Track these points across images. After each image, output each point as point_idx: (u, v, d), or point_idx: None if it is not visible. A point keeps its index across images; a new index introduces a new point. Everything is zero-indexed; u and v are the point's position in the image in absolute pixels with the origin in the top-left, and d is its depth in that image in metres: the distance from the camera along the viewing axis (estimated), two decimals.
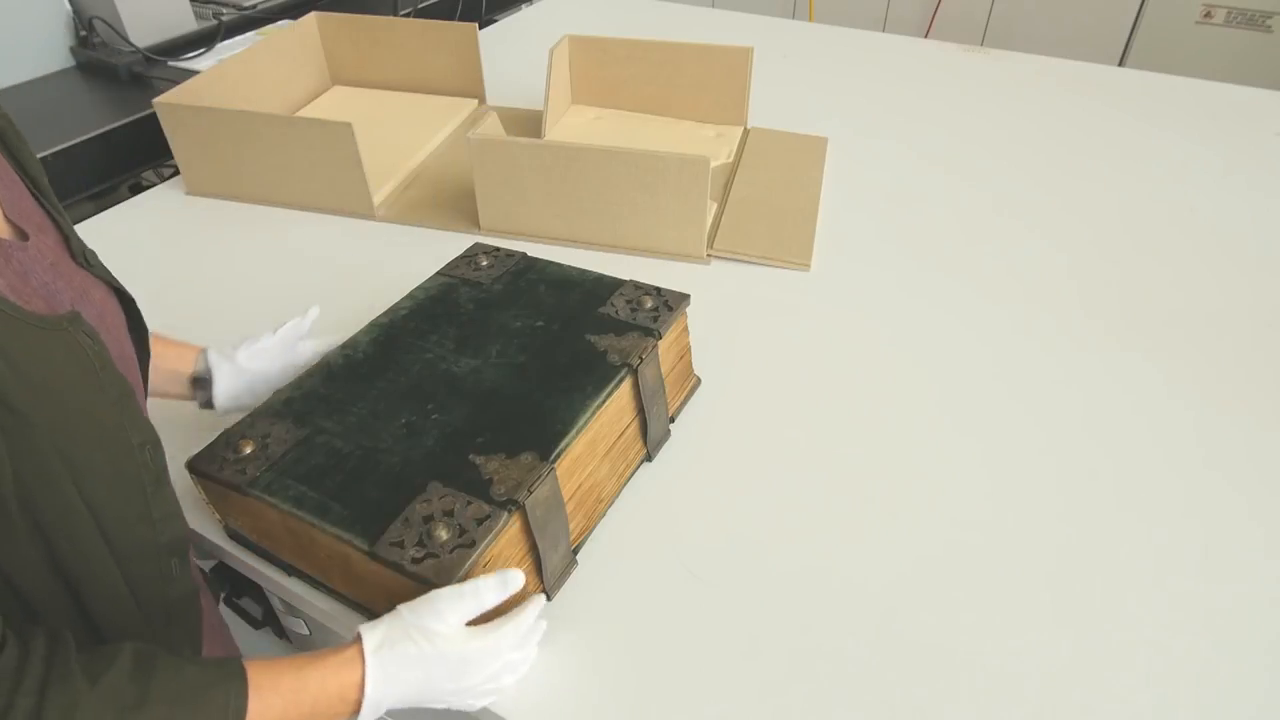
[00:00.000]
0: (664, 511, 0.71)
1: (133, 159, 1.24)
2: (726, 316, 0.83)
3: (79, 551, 0.46)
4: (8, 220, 0.47)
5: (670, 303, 0.76)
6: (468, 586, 0.53)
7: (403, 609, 0.53)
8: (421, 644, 0.51)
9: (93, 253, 0.55)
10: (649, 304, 0.75)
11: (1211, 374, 0.85)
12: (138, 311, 0.58)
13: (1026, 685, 0.58)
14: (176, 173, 1.17)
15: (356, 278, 0.98)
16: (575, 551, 0.66)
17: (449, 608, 0.52)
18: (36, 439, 0.42)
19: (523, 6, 1.95)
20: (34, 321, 0.42)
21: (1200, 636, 0.61)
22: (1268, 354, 0.88)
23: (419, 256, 0.90)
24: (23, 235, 0.47)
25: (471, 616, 0.53)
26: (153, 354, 0.63)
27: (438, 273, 0.82)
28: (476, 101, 1.38)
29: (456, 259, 0.83)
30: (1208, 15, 2.30)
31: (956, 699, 0.57)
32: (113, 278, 0.56)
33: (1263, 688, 0.58)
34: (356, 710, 0.50)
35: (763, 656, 0.60)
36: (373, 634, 0.51)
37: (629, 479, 0.73)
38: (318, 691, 0.49)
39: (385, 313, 0.76)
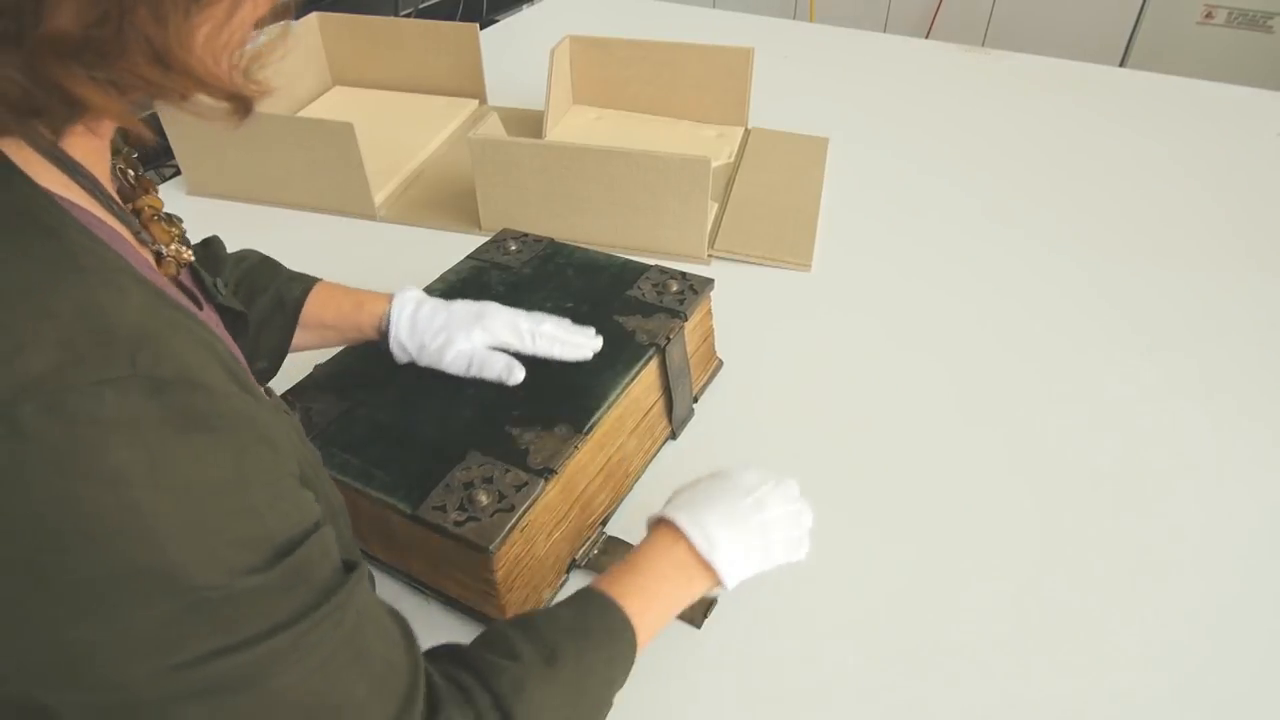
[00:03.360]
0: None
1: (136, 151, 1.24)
2: (727, 317, 0.84)
3: None
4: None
5: (695, 286, 0.78)
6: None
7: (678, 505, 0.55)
8: (691, 489, 0.55)
9: (216, 280, 0.52)
10: (674, 287, 0.77)
11: (1211, 373, 0.85)
12: (245, 328, 0.54)
13: (1037, 685, 0.58)
14: (178, 173, 1.17)
15: (358, 278, 0.97)
16: (604, 524, 0.68)
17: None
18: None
19: (524, 7, 1.95)
20: (269, 407, 0.39)
21: (1208, 639, 0.62)
22: (1268, 354, 0.88)
23: (420, 257, 0.90)
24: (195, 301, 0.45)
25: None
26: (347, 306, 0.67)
27: (468, 257, 0.84)
28: (477, 102, 1.38)
29: (485, 243, 0.85)
30: (1209, 16, 2.30)
31: (965, 704, 0.58)
32: (234, 302, 0.53)
33: None
34: (702, 565, 0.52)
35: (772, 638, 0.60)
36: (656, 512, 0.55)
37: (655, 455, 0.75)
38: (649, 566, 0.51)
39: None
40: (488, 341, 0.66)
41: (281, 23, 0.36)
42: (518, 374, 0.64)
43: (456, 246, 0.88)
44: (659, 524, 0.54)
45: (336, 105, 1.37)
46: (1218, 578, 0.66)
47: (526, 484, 0.58)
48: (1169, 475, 0.74)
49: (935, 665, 0.60)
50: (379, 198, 1.11)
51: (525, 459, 0.60)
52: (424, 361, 0.66)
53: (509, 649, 0.44)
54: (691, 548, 0.52)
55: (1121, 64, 2.45)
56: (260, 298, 0.65)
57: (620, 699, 0.57)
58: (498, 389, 0.67)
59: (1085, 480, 0.74)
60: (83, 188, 0.35)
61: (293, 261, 1.03)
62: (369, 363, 0.70)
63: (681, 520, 0.53)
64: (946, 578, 0.65)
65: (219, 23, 0.32)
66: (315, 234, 1.08)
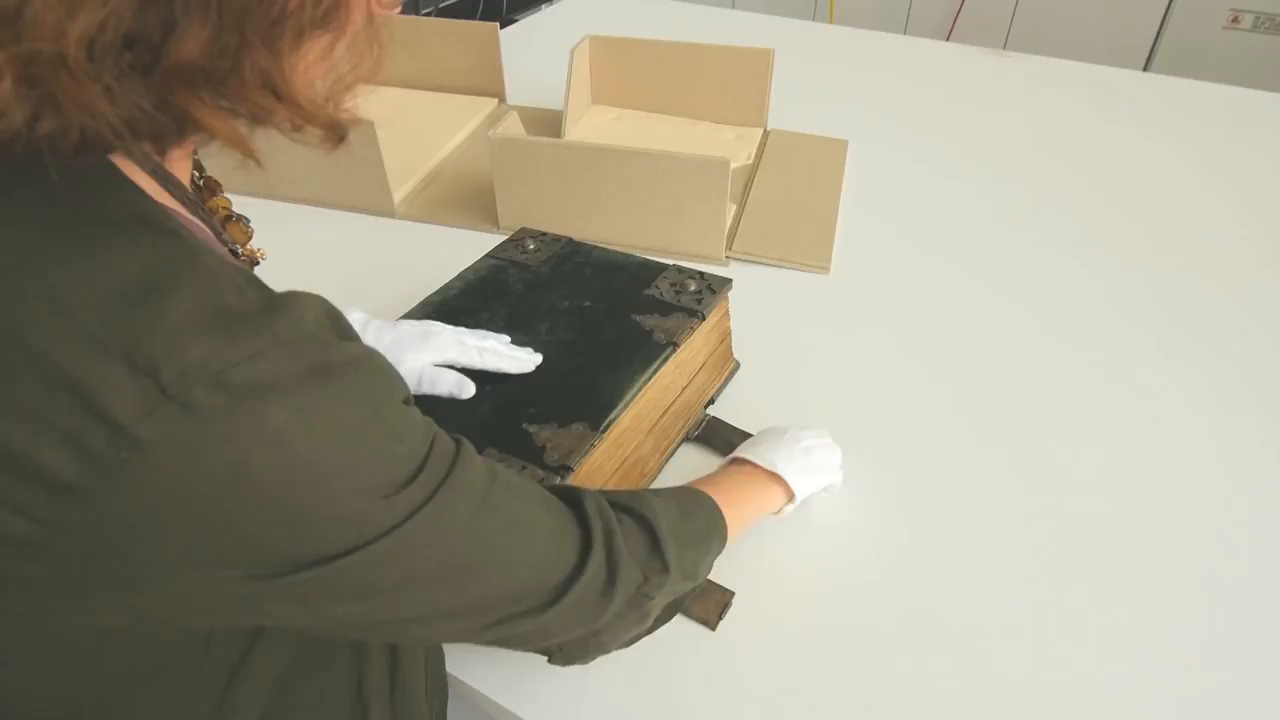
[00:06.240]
0: None
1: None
2: (744, 318, 0.83)
3: (373, 683, 0.49)
4: None
5: (713, 286, 0.77)
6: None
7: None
8: (759, 437, 0.68)
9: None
10: (692, 287, 0.77)
11: (1237, 381, 0.84)
12: None
13: (1048, 685, 0.58)
14: None
15: (376, 275, 0.99)
16: None
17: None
18: None
19: (543, 7, 1.95)
20: None
21: (1230, 646, 0.61)
22: None
23: (438, 255, 0.91)
24: None
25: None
26: None
27: (486, 255, 0.84)
28: (497, 101, 1.38)
29: (504, 242, 0.86)
30: (1235, 20, 2.27)
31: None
32: None
33: None
34: (771, 475, 0.64)
35: (786, 640, 0.60)
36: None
37: (670, 456, 0.75)
38: (727, 480, 0.62)
39: (436, 292, 0.79)
40: (435, 359, 0.67)
41: (376, 55, 0.39)
42: (468, 389, 0.66)
43: (474, 245, 0.88)
44: (732, 463, 0.65)
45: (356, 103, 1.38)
46: (1233, 587, 0.65)
47: (543, 481, 0.58)
48: (1191, 486, 0.73)
49: (948, 666, 0.59)
50: (398, 195, 1.12)
51: (541, 456, 0.60)
52: None
53: (622, 493, 0.50)
54: (757, 467, 0.64)
55: (1145, 68, 2.43)
56: None
57: (636, 699, 0.57)
58: (516, 387, 0.67)
59: (1103, 488, 0.73)
60: (174, 195, 0.38)
61: (312, 259, 1.05)
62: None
63: (748, 454, 0.65)
64: (961, 581, 0.65)
65: (320, 55, 0.36)
66: (334, 231, 1.09)
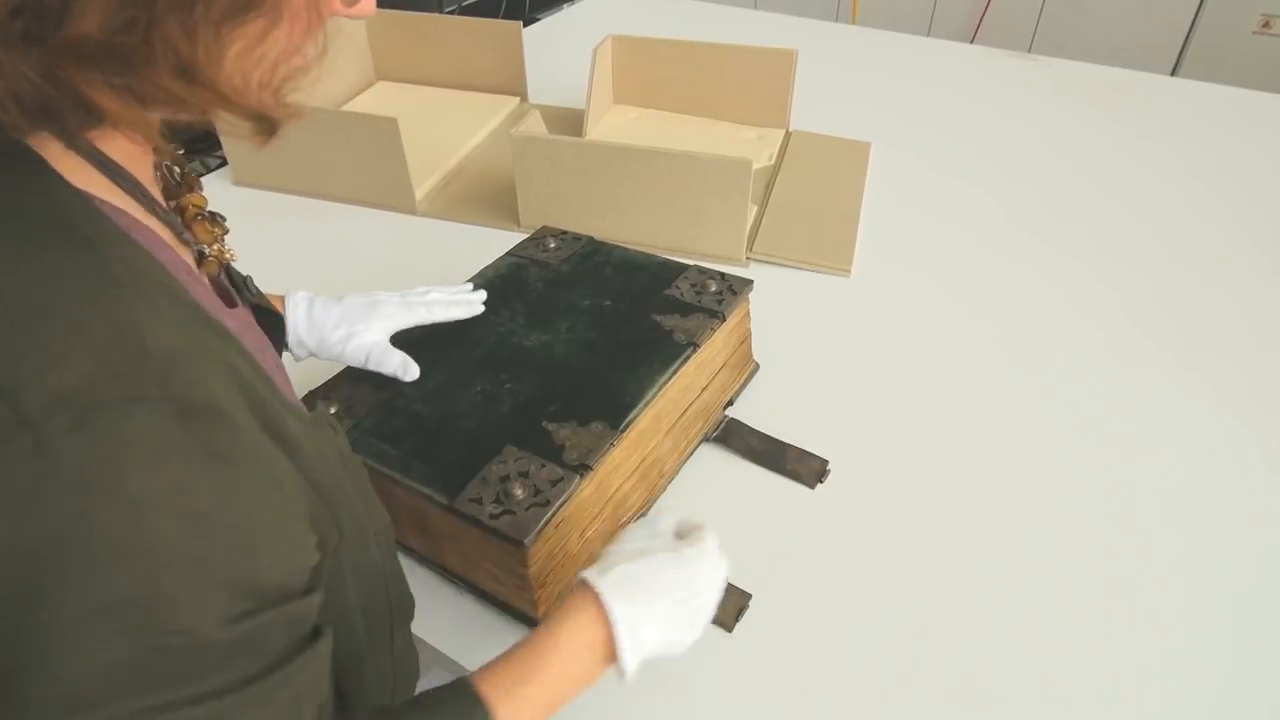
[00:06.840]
0: (719, 493, 0.72)
1: (181, 148, 1.26)
2: (763, 320, 0.83)
3: (341, 647, 0.43)
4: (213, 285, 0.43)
5: (734, 287, 0.77)
6: (649, 515, 0.56)
7: (608, 551, 0.50)
8: (639, 561, 0.48)
9: (249, 277, 0.52)
10: (713, 287, 0.77)
11: (1263, 391, 0.83)
12: (281, 326, 0.57)
13: (1059, 690, 0.57)
14: (224, 163, 1.19)
15: (398, 271, 0.99)
16: None
17: (642, 533, 0.51)
18: (338, 550, 0.40)
19: (565, 6, 1.95)
20: (308, 422, 0.39)
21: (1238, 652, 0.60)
22: None
23: (459, 252, 0.91)
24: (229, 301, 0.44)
25: (662, 536, 0.51)
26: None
27: (507, 253, 0.84)
28: (519, 99, 1.38)
29: (525, 240, 0.86)
30: (1265, 25, 2.24)
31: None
32: (265, 299, 0.54)
33: None
34: (612, 656, 0.46)
35: (802, 642, 0.60)
36: (591, 572, 0.47)
37: (689, 456, 0.74)
38: (563, 661, 0.45)
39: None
40: (384, 326, 0.68)
41: (320, 46, 0.36)
42: (413, 370, 0.67)
43: (495, 243, 0.88)
44: (589, 594, 0.47)
45: (380, 100, 1.39)
46: (1235, 588, 0.64)
47: (562, 479, 0.58)
48: (1217, 494, 0.73)
49: (963, 667, 0.59)
50: (420, 192, 1.12)
51: (561, 455, 0.60)
52: (325, 355, 0.67)
53: None
54: (613, 643, 0.46)
55: (1173, 73, 2.40)
56: None
57: (651, 700, 0.57)
58: (536, 385, 0.67)
59: (1119, 490, 0.72)
60: (124, 190, 0.35)
61: (334, 254, 1.05)
62: (408, 354, 0.70)
63: (617, 613, 0.46)
64: (977, 584, 0.65)
65: (251, 42, 0.32)
66: (357, 227, 1.09)
